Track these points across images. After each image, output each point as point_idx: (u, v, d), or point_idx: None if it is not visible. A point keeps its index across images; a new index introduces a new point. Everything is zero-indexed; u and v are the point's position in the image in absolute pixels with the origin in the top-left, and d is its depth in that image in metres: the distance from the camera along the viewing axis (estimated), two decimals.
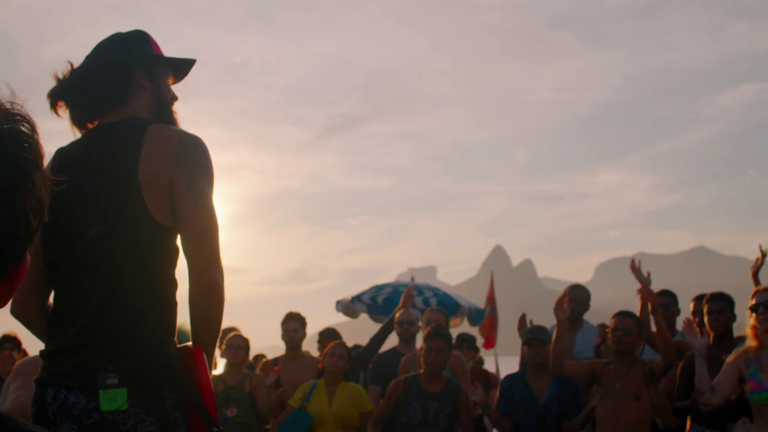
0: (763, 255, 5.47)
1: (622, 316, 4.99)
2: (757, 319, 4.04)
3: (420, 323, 6.22)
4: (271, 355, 7.21)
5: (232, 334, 6.01)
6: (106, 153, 2.09)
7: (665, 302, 5.50)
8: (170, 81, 2.33)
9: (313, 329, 6.82)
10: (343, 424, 5.13)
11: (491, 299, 9.89)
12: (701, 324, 4.94)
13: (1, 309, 0.86)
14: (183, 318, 2.12)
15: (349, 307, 9.30)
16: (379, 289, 9.26)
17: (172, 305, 2.09)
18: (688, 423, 4.75)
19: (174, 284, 2.11)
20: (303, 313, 6.19)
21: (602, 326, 5.95)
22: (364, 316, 9.42)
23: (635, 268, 5.00)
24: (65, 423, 1.95)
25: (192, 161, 2.07)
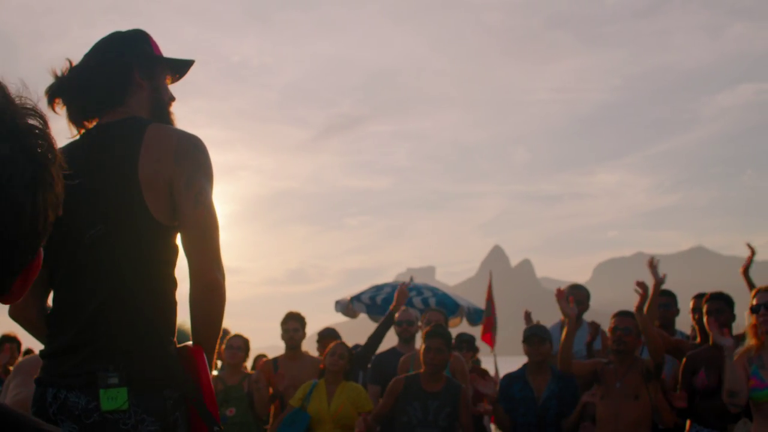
0: (753, 251, 5.48)
1: (622, 316, 4.99)
2: (758, 320, 4.06)
3: (419, 323, 6.22)
4: (270, 356, 7.21)
5: (231, 334, 6.01)
6: (105, 152, 2.09)
7: (664, 302, 5.51)
8: (168, 81, 2.34)
9: (312, 329, 6.82)
10: (341, 424, 5.13)
11: (489, 299, 9.89)
12: (700, 323, 4.96)
13: (1, 309, 0.86)
14: (183, 317, 2.12)
15: (348, 307, 9.30)
16: (378, 289, 9.26)
17: (172, 305, 2.09)
18: (688, 423, 4.75)
19: (174, 283, 2.11)
20: (302, 313, 6.18)
21: (593, 324, 5.96)
22: (363, 316, 9.42)
23: (653, 266, 5.03)
24: (66, 423, 1.95)
25: (191, 160, 2.07)
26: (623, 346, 4.85)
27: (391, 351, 6.09)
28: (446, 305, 8.58)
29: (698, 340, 5.21)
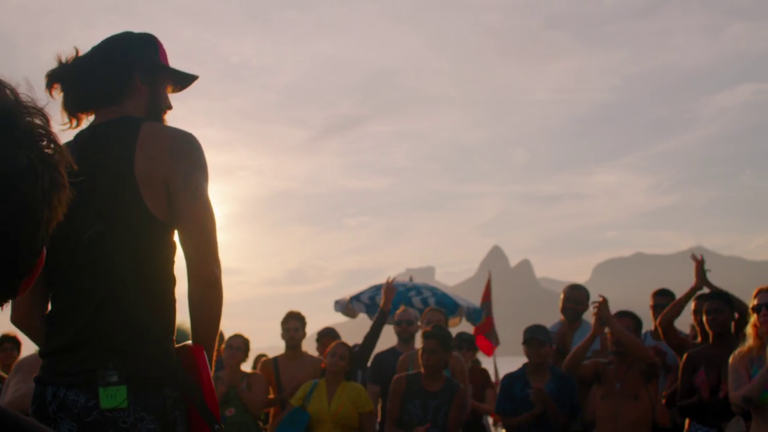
0: (699, 260, 5.28)
1: (621, 316, 5.00)
2: (759, 319, 4.05)
3: (419, 323, 6.22)
4: (270, 356, 7.20)
5: (227, 337, 6.00)
6: (100, 152, 2.10)
7: (664, 302, 5.51)
8: (169, 90, 2.33)
9: (311, 329, 6.82)
10: (341, 424, 5.13)
11: (487, 301, 9.87)
12: (701, 323, 4.96)
13: (1, 309, 0.87)
14: (182, 317, 2.12)
15: (347, 307, 9.30)
16: (377, 289, 9.25)
17: (171, 303, 2.10)
18: (687, 422, 4.76)
19: (173, 282, 2.11)
20: (302, 313, 6.18)
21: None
22: (362, 316, 9.42)
23: (698, 262, 5.05)
24: (65, 421, 1.95)
25: (186, 157, 2.08)
26: (623, 347, 4.86)
27: (391, 351, 6.10)
28: (446, 305, 8.58)
29: (698, 339, 5.22)
